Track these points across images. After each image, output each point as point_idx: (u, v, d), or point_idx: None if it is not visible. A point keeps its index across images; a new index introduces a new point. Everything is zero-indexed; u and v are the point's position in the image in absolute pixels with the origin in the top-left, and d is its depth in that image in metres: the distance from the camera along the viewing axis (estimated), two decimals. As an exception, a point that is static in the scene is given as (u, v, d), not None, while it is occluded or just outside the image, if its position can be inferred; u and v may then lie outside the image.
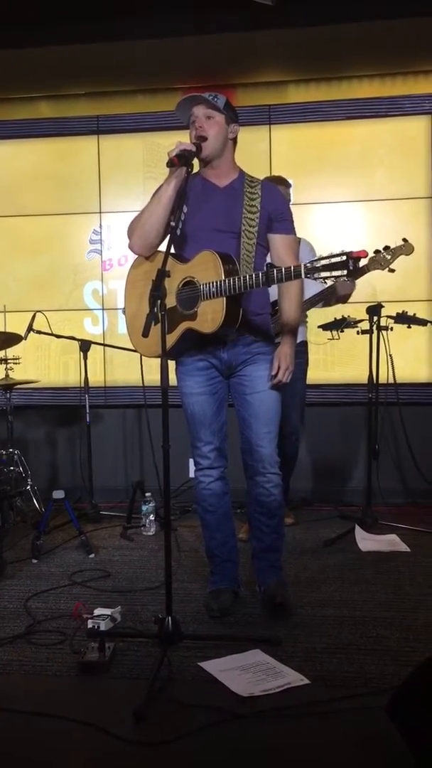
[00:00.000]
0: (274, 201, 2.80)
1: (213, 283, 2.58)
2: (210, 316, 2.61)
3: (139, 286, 2.79)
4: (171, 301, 2.68)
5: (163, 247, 2.65)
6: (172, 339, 2.69)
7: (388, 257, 3.49)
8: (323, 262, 2.31)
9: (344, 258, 2.26)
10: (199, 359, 2.81)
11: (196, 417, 2.84)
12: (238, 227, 2.72)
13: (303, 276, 2.40)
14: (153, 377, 2.62)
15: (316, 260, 2.35)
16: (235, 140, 2.80)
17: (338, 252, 2.29)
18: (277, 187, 2.99)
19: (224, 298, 2.57)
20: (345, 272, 2.27)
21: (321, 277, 2.33)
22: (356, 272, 2.29)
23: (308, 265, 2.37)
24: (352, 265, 2.26)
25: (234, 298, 2.59)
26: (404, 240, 3.52)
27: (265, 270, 2.54)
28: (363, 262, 2.66)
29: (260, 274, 2.51)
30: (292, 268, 2.45)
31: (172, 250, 2.56)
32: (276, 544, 2.92)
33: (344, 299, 3.70)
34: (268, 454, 2.82)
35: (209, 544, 2.95)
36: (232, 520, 2.98)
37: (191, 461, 2.98)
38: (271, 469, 2.83)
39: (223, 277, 2.56)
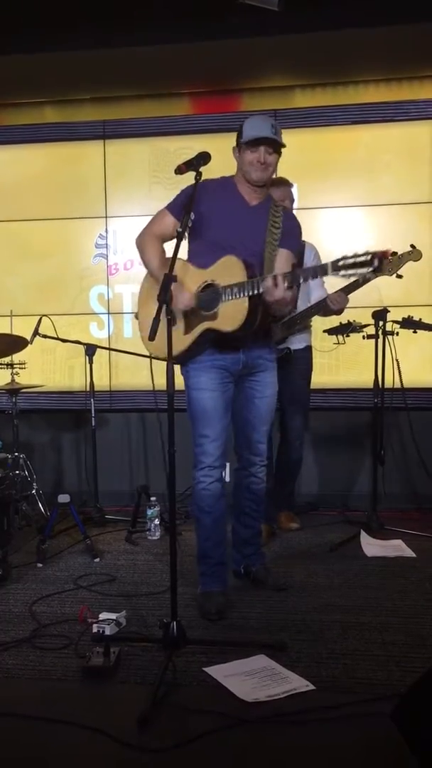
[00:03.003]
0: (291, 219, 2.99)
1: (236, 284, 2.70)
2: (230, 315, 2.72)
3: (152, 290, 2.83)
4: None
5: (169, 253, 2.68)
6: (188, 339, 2.82)
7: (396, 263, 3.49)
8: (349, 261, 2.47)
9: (369, 257, 2.41)
10: (215, 359, 2.88)
11: (208, 412, 2.89)
12: (260, 247, 2.83)
13: (329, 273, 2.51)
14: (159, 381, 2.61)
15: (341, 259, 2.48)
16: None
17: (362, 252, 2.43)
18: (293, 213, 3.12)
19: (247, 299, 2.69)
20: (371, 269, 2.43)
21: (347, 274, 2.49)
22: (381, 269, 2.48)
23: (334, 263, 2.50)
24: (378, 262, 2.40)
25: (254, 301, 2.70)
26: (412, 246, 3.52)
27: (291, 270, 2.69)
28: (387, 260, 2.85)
29: (285, 274, 2.64)
30: (318, 266, 2.61)
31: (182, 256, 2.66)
32: (259, 529, 3.26)
33: (338, 313, 3.75)
34: (265, 449, 3.13)
35: (203, 546, 2.99)
36: (225, 524, 3.04)
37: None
38: (264, 461, 3.15)
39: (246, 279, 2.68)
